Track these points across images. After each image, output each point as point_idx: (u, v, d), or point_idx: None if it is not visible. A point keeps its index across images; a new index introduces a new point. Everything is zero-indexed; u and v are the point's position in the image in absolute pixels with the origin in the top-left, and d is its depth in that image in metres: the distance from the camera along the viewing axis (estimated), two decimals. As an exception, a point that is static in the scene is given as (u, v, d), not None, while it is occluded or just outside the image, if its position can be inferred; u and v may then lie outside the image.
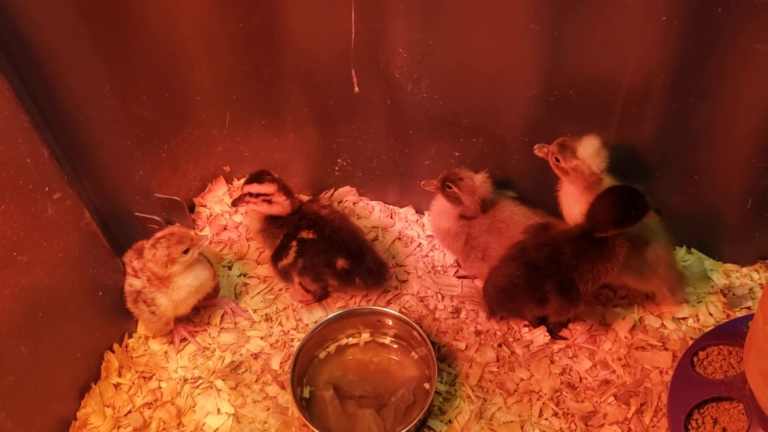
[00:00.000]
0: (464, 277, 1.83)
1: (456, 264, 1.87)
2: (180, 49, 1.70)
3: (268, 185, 1.67)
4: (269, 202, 1.69)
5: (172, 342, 1.73)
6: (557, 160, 1.56)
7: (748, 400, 1.41)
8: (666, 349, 1.63)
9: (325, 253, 1.69)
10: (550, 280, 1.53)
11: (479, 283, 1.80)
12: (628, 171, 1.66)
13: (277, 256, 1.71)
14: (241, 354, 1.71)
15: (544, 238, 1.57)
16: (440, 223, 1.76)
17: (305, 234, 1.69)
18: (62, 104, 1.58)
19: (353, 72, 1.69)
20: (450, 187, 1.67)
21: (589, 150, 1.52)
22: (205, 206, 2.02)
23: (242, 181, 2.02)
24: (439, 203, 1.75)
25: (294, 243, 1.69)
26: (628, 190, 1.47)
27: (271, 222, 1.73)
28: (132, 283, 1.65)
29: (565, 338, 1.68)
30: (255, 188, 1.68)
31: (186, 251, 1.59)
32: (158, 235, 1.60)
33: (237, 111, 1.85)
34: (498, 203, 1.73)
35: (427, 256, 1.88)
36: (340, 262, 1.69)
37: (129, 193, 1.81)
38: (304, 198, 1.95)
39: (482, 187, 1.67)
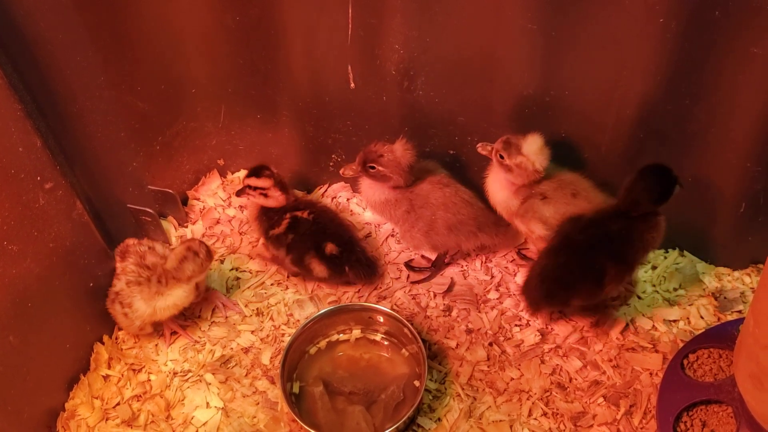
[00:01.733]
0: (418, 281, 1.82)
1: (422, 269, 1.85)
2: (176, 41, 1.69)
3: (264, 180, 1.74)
4: (265, 195, 1.75)
5: (162, 335, 1.72)
6: (501, 157, 1.60)
7: (737, 403, 1.41)
8: (656, 351, 1.63)
9: (316, 234, 1.72)
10: (604, 253, 1.52)
11: (471, 281, 1.81)
12: (623, 172, 1.66)
13: (270, 227, 1.76)
14: (232, 348, 1.70)
15: (585, 223, 1.56)
16: (375, 196, 1.75)
17: (300, 213, 1.75)
18: (56, 94, 1.57)
19: (349, 68, 1.68)
20: (373, 168, 1.66)
21: (534, 147, 1.57)
22: (198, 199, 2.01)
23: (237, 174, 2.04)
24: (368, 181, 1.74)
25: (288, 216, 1.74)
26: (662, 169, 1.49)
27: (266, 212, 1.79)
28: (114, 283, 1.65)
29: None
30: (253, 181, 1.74)
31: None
32: (196, 248, 1.61)
33: (232, 104, 1.84)
34: (433, 172, 1.76)
35: (419, 253, 1.88)
36: (329, 247, 1.71)
37: (122, 184, 1.80)
38: (300, 194, 1.98)
39: (405, 156, 1.67)
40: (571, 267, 1.55)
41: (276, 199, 1.75)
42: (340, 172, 1.71)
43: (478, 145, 1.65)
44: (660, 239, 1.57)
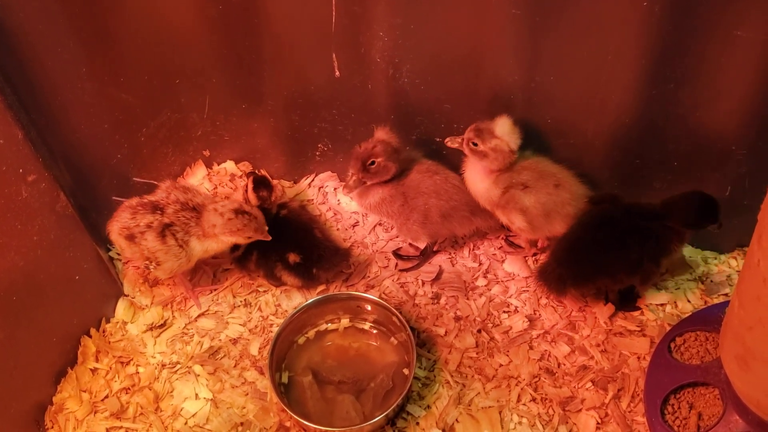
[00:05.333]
0: (406, 270, 1.82)
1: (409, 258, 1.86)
2: (158, 32, 1.67)
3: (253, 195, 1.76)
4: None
5: (189, 298, 1.77)
6: (475, 144, 1.60)
7: (723, 385, 1.42)
8: (644, 335, 1.64)
9: (278, 247, 1.71)
10: (642, 246, 1.54)
11: (459, 268, 1.81)
12: (608, 157, 1.67)
13: (232, 248, 1.74)
14: (220, 339, 1.70)
15: (627, 207, 1.58)
16: (369, 198, 1.75)
17: None
18: (37, 86, 1.55)
19: (334, 56, 1.67)
20: (373, 163, 1.67)
21: (506, 128, 1.59)
22: (192, 187, 1.99)
23: (224, 165, 2.03)
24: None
25: None
26: (711, 201, 1.52)
27: None
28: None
29: (639, 308, 1.70)
30: (249, 187, 1.77)
31: (249, 237, 1.64)
32: (246, 208, 1.63)
33: (216, 95, 1.83)
34: (419, 161, 1.76)
35: (406, 241, 1.88)
36: (292, 257, 1.71)
37: (107, 176, 1.80)
38: (287, 184, 1.99)
39: (392, 137, 1.69)
40: (607, 245, 1.55)
41: None
42: (343, 192, 1.71)
43: (447, 140, 1.66)
44: (671, 258, 1.62)
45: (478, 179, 1.68)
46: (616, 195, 1.63)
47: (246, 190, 1.75)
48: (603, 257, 1.56)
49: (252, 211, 1.63)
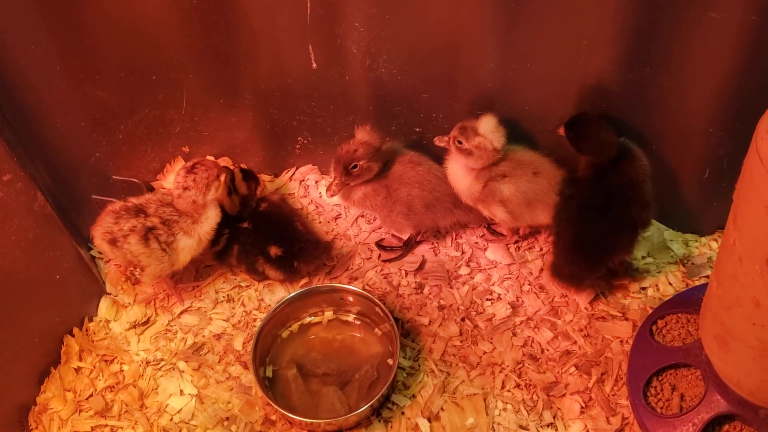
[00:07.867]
0: (389, 260, 1.82)
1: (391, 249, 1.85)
2: (133, 27, 1.65)
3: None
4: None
5: (171, 295, 1.76)
6: (459, 142, 1.61)
7: (704, 366, 1.43)
8: (626, 319, 1.65)
9: (259, 241, 1.72)
10: (625, 200, 1.56)
11: (442, 258, 1.81)
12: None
13: (212, 243, 1.74)
14: (204, 335, 1.69)
15: (590, 188, 1.59)
16: (353, 195, 1.75)
17: (240, 224, 1.75)
18: (11, 84, 1.54)
19: (310, 48, 1.66)
20: (356, 167, 1.67)
21: (489, 126, 1.59)
22: (164, 188, 1.98)
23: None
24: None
25: (226, 231, 1.73)
26: (584, 115, 1.55)
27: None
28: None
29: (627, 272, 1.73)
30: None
31: (218, 177, 1.65)
32: (189, 164, 1.65)
33: (194, 90, 1.81)
34: (401, 153, 1.77)
35: (389, 232, 1.88)
36: (273, 250, 1.71)
37: (85, 175, 1.78)
38: (267, 178, 1.98)
39: (374, 137, 1.69)
40: (602, 228, 1.56)
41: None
42: (327, 195, 1.71)
43: (435, 139, 1.67)
44: (649, 187, 1.61)
45: (460, 176, 1.68)
46: (573, 177, 1.63)
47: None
48: (606, 238, 1.57)
49: (196, 160, 1.66)
